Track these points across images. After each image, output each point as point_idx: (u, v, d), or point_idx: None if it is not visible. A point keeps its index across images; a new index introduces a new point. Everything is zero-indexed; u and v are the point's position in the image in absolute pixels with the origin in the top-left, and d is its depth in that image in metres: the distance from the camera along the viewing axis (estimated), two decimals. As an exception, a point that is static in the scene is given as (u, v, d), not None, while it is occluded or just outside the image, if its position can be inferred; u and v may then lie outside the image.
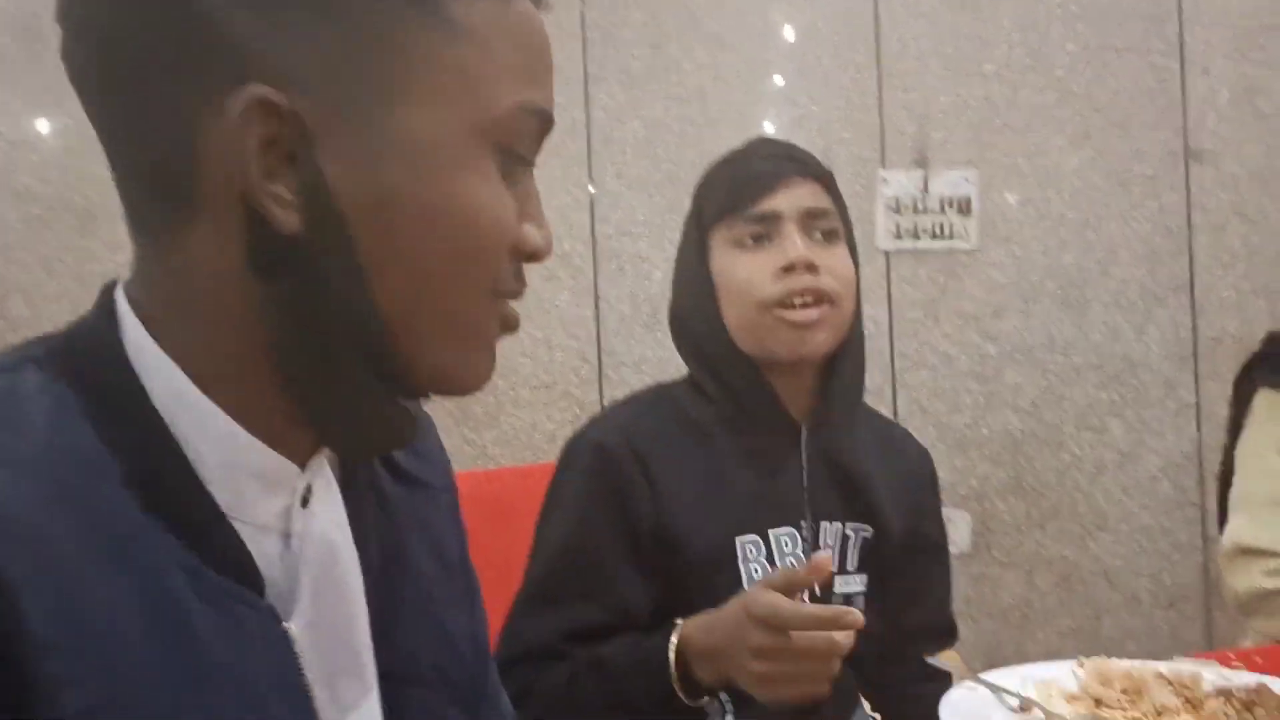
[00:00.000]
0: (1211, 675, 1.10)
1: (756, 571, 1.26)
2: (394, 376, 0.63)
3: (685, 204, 3.05)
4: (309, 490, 0.65)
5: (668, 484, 1.27)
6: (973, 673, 1.12)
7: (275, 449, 0.62)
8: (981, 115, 2.67)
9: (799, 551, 1.28)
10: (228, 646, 0.58)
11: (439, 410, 2.66)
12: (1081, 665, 1.12)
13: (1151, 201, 2.62)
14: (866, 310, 2.68)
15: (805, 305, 1.27)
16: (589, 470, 1.28)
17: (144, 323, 0.60)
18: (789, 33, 2.76)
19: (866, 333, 2.80)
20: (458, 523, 0.83)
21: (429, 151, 0.60)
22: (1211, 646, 2.17)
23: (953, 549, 2.68)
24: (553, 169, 2.77)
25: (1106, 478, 2.64)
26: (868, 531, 1.34)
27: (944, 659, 1.41)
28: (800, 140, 2.72)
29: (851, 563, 1.33)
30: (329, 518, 0.67)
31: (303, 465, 0.64)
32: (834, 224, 1.32)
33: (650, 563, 1.25)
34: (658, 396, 1.37)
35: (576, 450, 1.32)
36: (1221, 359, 2.58)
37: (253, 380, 0.61)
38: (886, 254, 2.69)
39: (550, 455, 2.92)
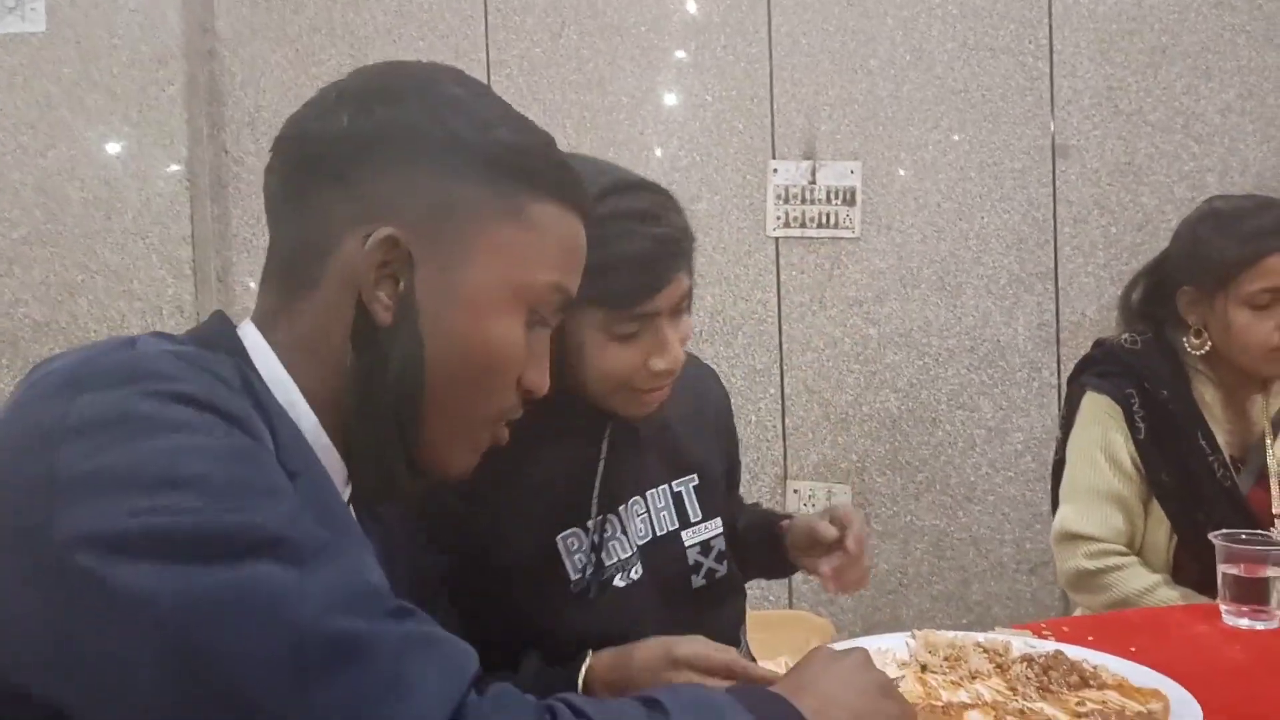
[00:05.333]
0: (1020, 644, 1.28)
1: (580, 563, 1.29)
2: (409, 445, 0.84)
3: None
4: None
5: (484, 502, 1.27)
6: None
7: None
8: (866, 109, 2.81)
9: (618, 534, 1.34)
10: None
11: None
12: (914, 636, 1.28)
13: (1020, 193, 2.79)
14: (757, 295, 2.83)
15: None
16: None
17: (272, 347, 0.84)
18: (685, 24, 2.85)
19: (756, 316, 2.93)
20: (408, 561, 1.04)
21: (483, 295, 0.84)
22: (1068, 606, 2.37)
23: (835, 520, 2.86)
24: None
25: (976, 453, 2.82)
26: (695, 481, 1.42)
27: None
28: (695, 129, 2.83)
29: (695, 513, 1.40)
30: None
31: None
32: (690, 296, 1.29)
33: (478, 582, 1.28)
34: None
35: None
36: (1081, 342, 2.76)
37: (331, 411, 0.84)
38: (776, 241, 2.82)
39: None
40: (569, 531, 1.31)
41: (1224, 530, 1.47)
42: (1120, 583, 1.74)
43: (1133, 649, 1.28)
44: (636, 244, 1.21)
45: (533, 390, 0.89)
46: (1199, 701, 1.12)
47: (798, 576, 2.86)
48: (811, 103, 2.81)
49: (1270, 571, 1.41)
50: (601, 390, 1.26)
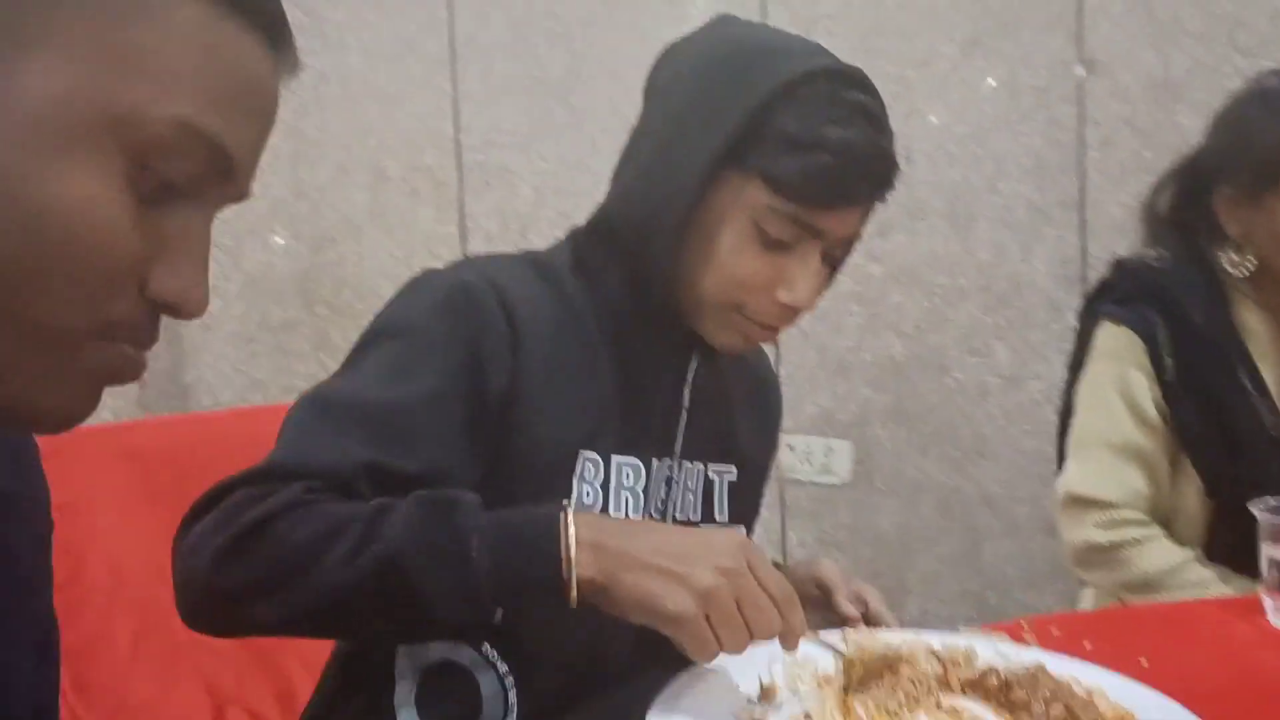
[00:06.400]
0: (989, 652, 0.98)
1: (588, 495, 1.06)
2: None
3: (555, 111, 2.83)
4: None
5: (533, 352, 1.05)
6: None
7: None
8: (869, 20, 2.52)
9: (638, 488, 1.09)
10: None
11: (294, 335, 2.44)
12: (845, 639, 0.99)
13: (1042, 112, 2.50)
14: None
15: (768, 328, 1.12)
16: (444, 306, 1.03)
17: None
18: (665, -74, 2.56)
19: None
20: (46, 562, 0.72)
21: (41, 120, 0.51)
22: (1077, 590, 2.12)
23: (833, 479, 2.61)
24: (412, 71, 2.56)
25: (989, 403, 2.56)
26: (732, 475, 1.19)
27: None
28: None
29: (721, 511, 1.18)
30: None
31: None
32: (849, 248, 1.14)
33: (486, 439, 1.02)
34: (530, 261, 1.14)
35: (428, 284, 1.07)
36: (1109, 279, 2.50)
37: None
38: (767, 168, 2.55)
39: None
40: (591, 454, 1.07)
41: (1269, 498, 1.20)
42: (1139, 559, 1.47)
43: (1142, 660, 1.01)
44: (849, 135, 1.04)
45: (170, 300, 0.56)
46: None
47: (792, 543, 2.63)
48: (808, 13, 2.52)
49: (1326, 556, 1.14)
50: (713, 296, 1.08)
